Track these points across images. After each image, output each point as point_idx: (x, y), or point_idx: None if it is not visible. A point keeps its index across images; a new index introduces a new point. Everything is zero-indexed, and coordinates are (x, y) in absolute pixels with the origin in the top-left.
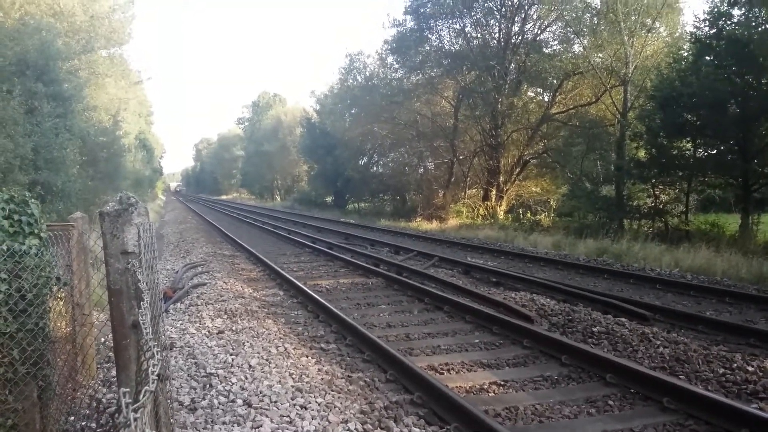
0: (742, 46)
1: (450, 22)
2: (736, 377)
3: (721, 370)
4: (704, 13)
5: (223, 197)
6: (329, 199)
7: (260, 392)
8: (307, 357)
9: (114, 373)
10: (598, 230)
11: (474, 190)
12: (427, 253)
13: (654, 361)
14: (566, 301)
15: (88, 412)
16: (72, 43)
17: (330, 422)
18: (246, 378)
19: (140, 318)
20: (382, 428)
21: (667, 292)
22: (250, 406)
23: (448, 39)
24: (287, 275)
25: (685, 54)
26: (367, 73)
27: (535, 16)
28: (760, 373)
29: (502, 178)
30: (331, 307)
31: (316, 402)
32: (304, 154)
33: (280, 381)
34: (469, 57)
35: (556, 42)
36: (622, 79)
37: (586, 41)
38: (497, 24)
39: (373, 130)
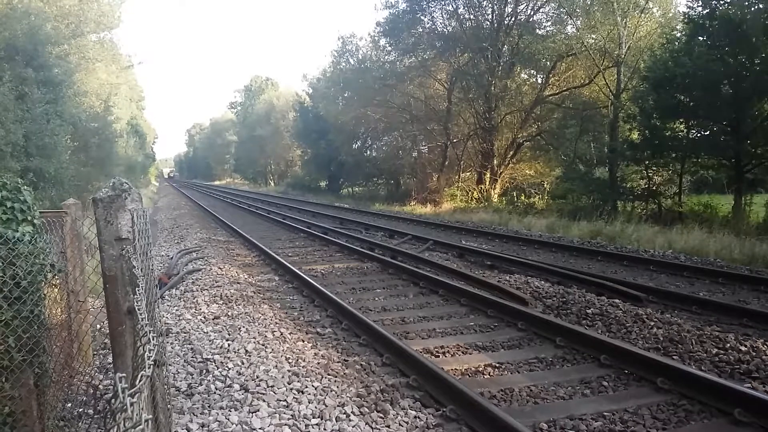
0: (735, 27)
1: (443, 3)
2: (729, 357)
3: (715, 350)
4: None
5: (217, 182)
6: (323, 183)
7: (257, 377)
8: (303, 341)
9: (110, 359)
10: (591, 212)
11: (468, 174)
12: (421, 237)
13: (648, 342)
14: (560, 283)
15: (84, 398)
16: (61, 28)
17: (327, 406)
18: (242, 363)
19: (135, 304)
20: (378, 411)
21: (661, 273)
22: (246, 390)
23: (441, 21)
24: (282, 260)
25: (679, 35)
26: (360, 56)
27: None
28: (753, 353)
29: (495, 161)
30: (327, 292)
31: (312, 386)
32: (297, 139)
33: (276, 366)
34: (462, 39)
35: (549, 23)
36: (616, 60)
37: (579, 22)
38: (490, 5)
39: (367, 113)
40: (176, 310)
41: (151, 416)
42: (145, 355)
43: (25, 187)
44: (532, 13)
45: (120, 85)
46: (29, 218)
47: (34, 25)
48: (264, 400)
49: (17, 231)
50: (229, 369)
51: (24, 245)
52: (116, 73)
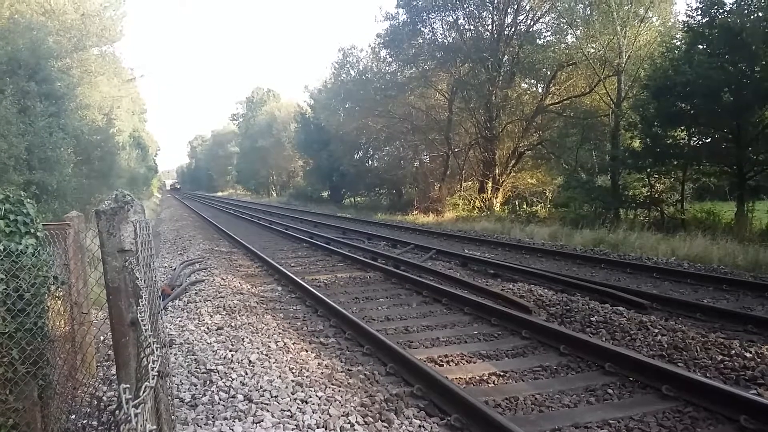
0: (734, 35)
1: (443, 14)
2: (734, 364)
3: (720, 357)
4: (697, 1)
5: (219, 194)
6: (325, 194)
7: (261, 387)
8: (307, 351)
9: (114, 370)
10: (594, 220)
11: (470, 183)
12: (424, 246)
13: (652, 350)
14: (564, 291)
15: (88, 410)
16: (63, 42)
17: (331, 416)
18: (246, 373)
19: (139, 315)
20: (382, 421)
21: (665, 280)
22: (250, 401)
23: (441, 32)
24: (285, 270)
25: (678, 43)
26: (361, 68)
27: (527, 7)
28: (758, 359)
29: (497, 170)
30: (330, 302)
31: (316, 396)
32: (299, 150)
33: (280, 376)
34: (462, 49)
35: (549, 33)
36: (616, 69)
37: (579, 32)
38: (490, 16)
39: (368, 124)
40: (179, 321)
41: (155, 427)
42: (149, 366)
43: (28, 200)
44: (532, 23)
45: (122, 98)
46: (32, 231)
47: (36, 39)
48: (268, 411)
49: (20, 243)
50: (233, 379)
51: (27, 258)
52: (118, 86)
